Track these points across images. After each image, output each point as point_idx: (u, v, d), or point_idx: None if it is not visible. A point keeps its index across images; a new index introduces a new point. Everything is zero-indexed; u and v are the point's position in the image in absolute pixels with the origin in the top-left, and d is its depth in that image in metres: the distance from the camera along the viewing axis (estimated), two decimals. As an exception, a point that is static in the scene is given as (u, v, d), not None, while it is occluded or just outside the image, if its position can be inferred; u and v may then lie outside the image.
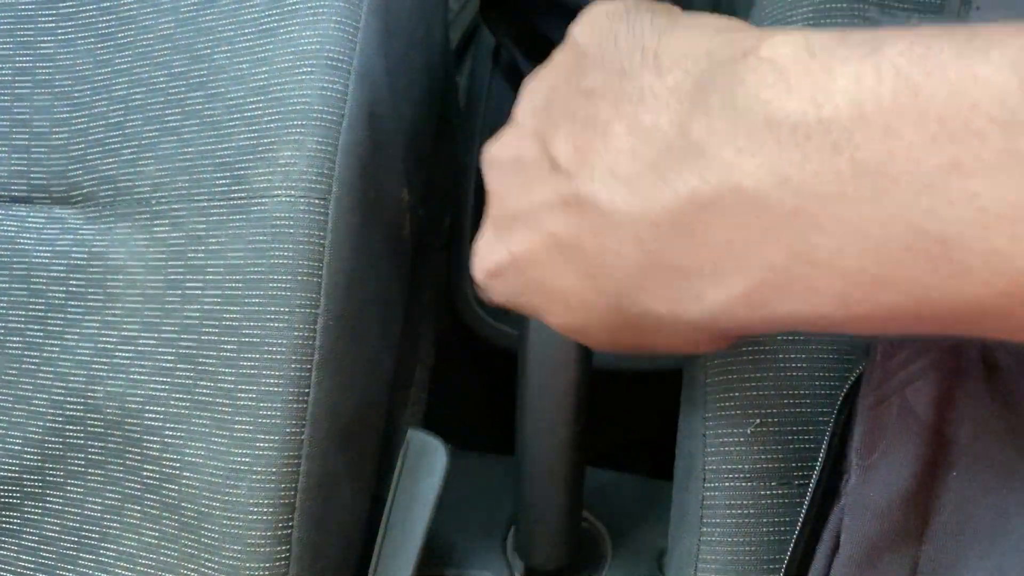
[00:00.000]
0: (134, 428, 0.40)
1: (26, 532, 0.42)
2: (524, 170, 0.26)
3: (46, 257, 0.43)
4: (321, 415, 0.39)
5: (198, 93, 0.42)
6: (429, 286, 0.56)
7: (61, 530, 0.42)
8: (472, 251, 0.30)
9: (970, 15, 0.30)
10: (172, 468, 0.40)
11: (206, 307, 0.40)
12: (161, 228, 0.41)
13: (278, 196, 0.39)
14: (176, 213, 0.41)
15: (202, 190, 0.41)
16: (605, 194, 0.23)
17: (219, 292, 0.40)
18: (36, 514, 0.42)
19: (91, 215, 0.43)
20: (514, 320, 0.42)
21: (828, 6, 0.36)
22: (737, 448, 0.34)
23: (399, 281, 0.48)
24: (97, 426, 0.41)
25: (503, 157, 0.28)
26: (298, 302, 0.39)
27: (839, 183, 0.19)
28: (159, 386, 0.40)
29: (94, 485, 0.41)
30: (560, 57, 0.27)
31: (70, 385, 0.42)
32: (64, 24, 0.45)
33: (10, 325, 0.43)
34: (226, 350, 0.39)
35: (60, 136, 0.44)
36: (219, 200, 0.40)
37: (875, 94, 0.18)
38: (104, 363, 0.41)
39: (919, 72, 0.18)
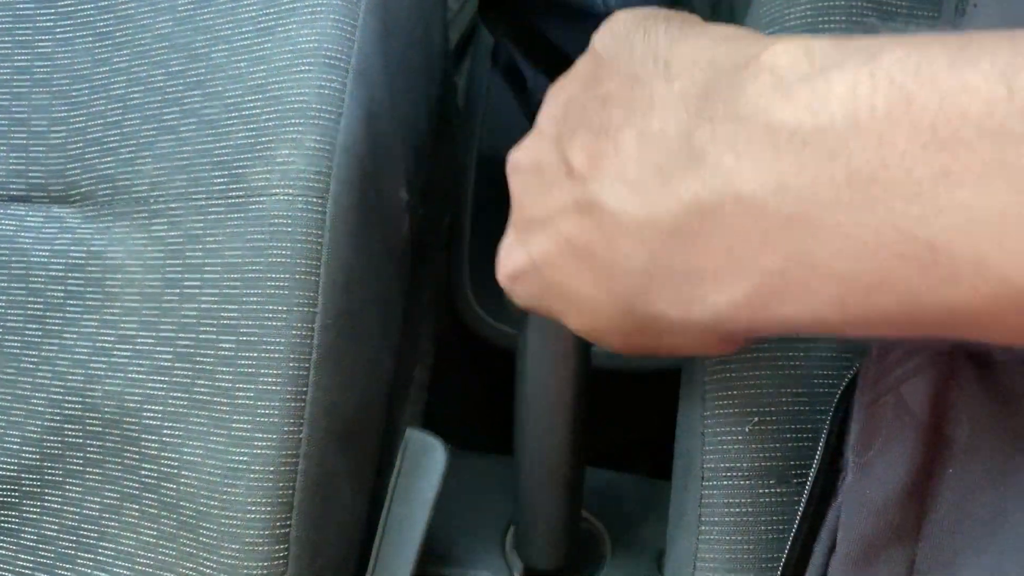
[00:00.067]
0: (132, 427, 0.40)
1: (25, 531, 0.42)
2: (543, 176, 0.27)
3: (44, 256, 0.43)
4: (319, 414, 0.39)
5: (196, 92, 0.42)
6: (429, 286, 0.56)
7: (60, 529, 0.42)
8: (497, 255, 0.30)
9: (967, 11, 0.30)
10: (170, 467, 0.40)
11: (204, 306, 0.40)
12: (159, 227, 0.41)
13: (276, 195, 0.39)
14: (174, 212, 0.41)
15: (200, 189, 0.41)
16: (614, 199, 0.24)
17: (217, 291, 0.40)
18: (35, 513, 0.42)
19: (89, 214, 0.43)
20: (513, 320, 0.42)
21: (825, 4, 0.36)
22: (735, 446, 0.34)
23: (398, 280, 0.48)
24: (95, 425, 0.41)
25: (524, 163, 0.28)
26: (296, 301, 0.39)
27: (834, 190, 0.19)
28: (157, 385, 0.40)
29: (93, 484, 0.41)
30: (581, 65, 0.28)
31: (68, 384, 0.42)
32: (62, 23, 0.45)
33: (8, 324, 0.43)
34: (224, 349, 0.39)
35: (58, 135, 0.44)
36: (217, 199, 0.40)
37: (869, 103, 0.18)
38: (102, 362, 0.41)
39: (913, 81, 0.18)
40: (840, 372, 0.34)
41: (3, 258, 0.44)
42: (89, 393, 0.41)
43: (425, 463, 0.43)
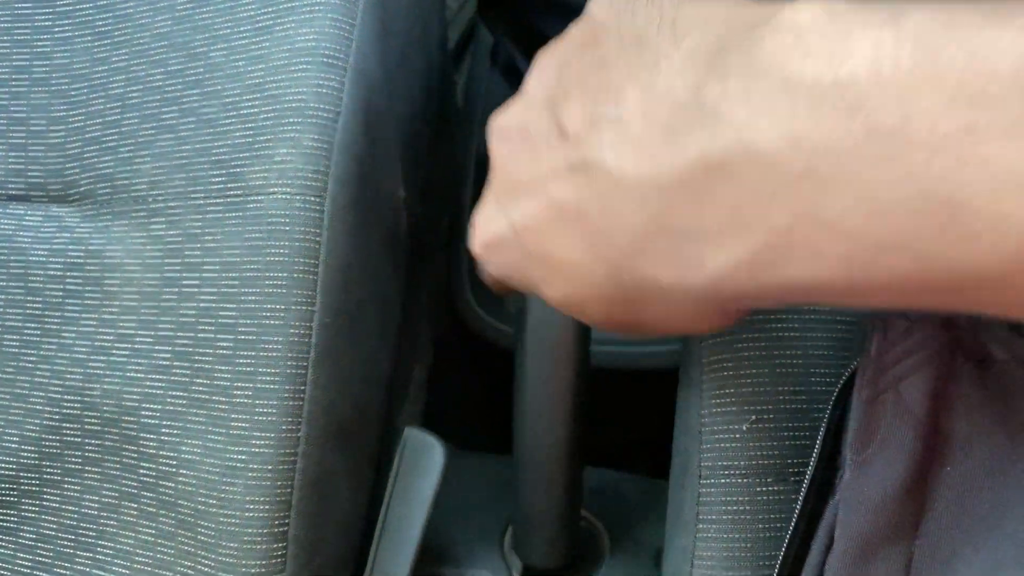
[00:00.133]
0: (131, 425, 0.40)
1: (23, 530, 0.42)
2: (531, 139, 0.26)
3: (43, 255, 0.43)
4: (317, 413, 0.39)
5: (194, 91, 0.42)
6: (428, 285, 0.56)
7: (58, 528, 0.42)
8: (471, 223, 0.29)
9: None
10: (168, 465, 0.40)
11: (202, 305, 0.40)
12: (158, 226, 0.41)
13: (274, 193, 0.39)
14: (173, 211, 0.41)
15: (198, 188, 0.41)
16: (613, 157, 0.23)
17: (215, 290, 0.40)
18: (33, 512, 0.42)
19: (88, 213, 0.43)
20: (512, 319, 0.42)
21: None
22: (733, 444, 0.34)
23: (396, 279, 0.48)
24: (94, 424, 0.41)
25: (510, 126, 0.28)
26: (294, 299, 0.39)
27: (851, 144, 0.19)
28: (156, 383, 0.40)
29: (91, 483, 0.41)
30: (575, 30, 0.27)
31: (67, 383, 0.42)
32: (61, 22, 0.45)
33: (7, 323, 0.43)
34: (222, 347, 0.39)
35: (57, 134, 0.44)
36: (215, 197, 0.40)
37: (893, 58, 0.18)
38: (101, 361, 0.41)
39: (940, 39, 0.18)
40: (837, 371, 0.34)
41: (2, 257, 0.44)
42: (88, 392, 0.41)
43: (424, 462, 0.43)
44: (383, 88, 0.43)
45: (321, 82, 0.40)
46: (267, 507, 0.38)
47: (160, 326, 0.40)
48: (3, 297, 0.43)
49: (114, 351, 0.41)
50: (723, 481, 0.34)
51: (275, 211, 0.39)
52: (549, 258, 0.26)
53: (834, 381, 0.33)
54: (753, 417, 0.34)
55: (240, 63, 0.41)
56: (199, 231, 0.40)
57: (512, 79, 0.64)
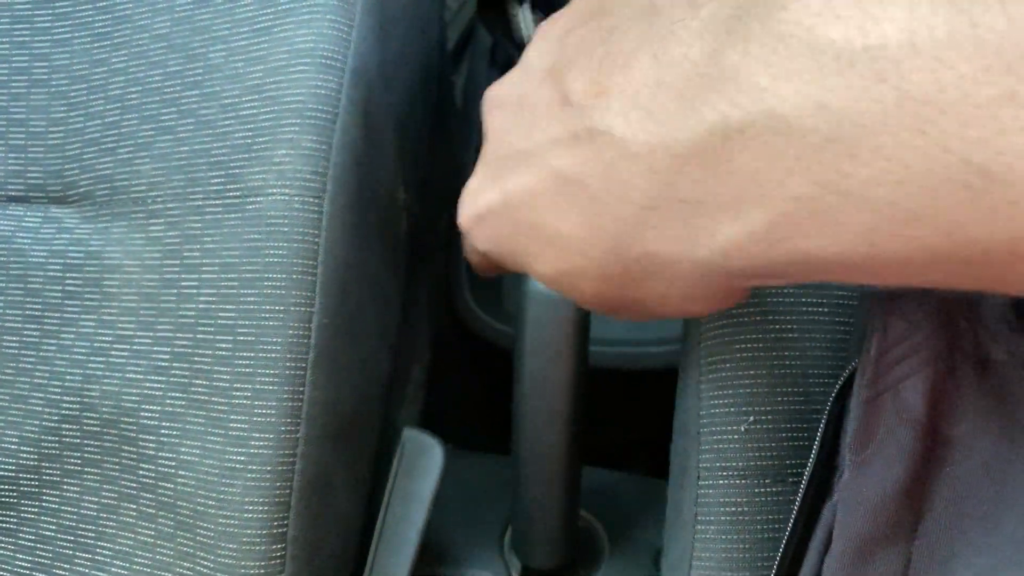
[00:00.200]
0: (130, 426, 0.40)
1: (23, 531, 0.42)
2: (530, 108, 0.26)
3: (43, 256, 0.43)
4: (316, 413, 0.39)
5: (193, 92, 0.42)
6: (427, 285, 0.56)
7: (58, 529, 0.42)
8: (461, 195, 0.29)
9: None
10: (167, 466, 0.40)
11: (201, 306, 0.40)
12: (157, 227, 0.41)
13: (273, 194, 0.39)
14: (171, 212, 0.41)
15: (197, 189, 0.41)
16: (622, 124, 0.22)
17: (214, 291, 0.40)
18: (33, 513, 0.42)
19: (88, 214, 0.43)
20: (511, 319, 0.42)
21: None
22: (731, 446, 0.34)
23: (395, 280, 0.48)
24: (93, 425, 0.41)
25: (508, 95, 0.27)
26: (293, 300, 0.39)
27: (881, 112, 0.18)
28: (155, 384, 0.40)
29: (90, 484, 0.41)
30: (580, 1, 0.26)
31: (66, 384, 0.42)
32: (60, 23, 0.45)
33: (7, 324, 0.43)
34: (221, 349, 0.39)
35: (56, 135, 0.44)
36: (214, 199, 0.40)
37: (928, 25, 0.18)
38: (100, 362, 0.41)
39: (976, 5, 0.17)
40: (835, 371, 0.34)
41: (2, 259, 0.44)
42: (87, 393, 0.41)
43: (423, 463, 0.43)
44: (382, 89, 0.43)
45: (319, 83, 0.40)
46: (266, 508, 0.38)
47: (159, 327, 0.40)
48: (2, 299, 0.43)
49: (113, 352, 0.41)
50: (721, 482, 0.34)
51: (274, 212, 0.39)
52: (542, 230, 0.26)
53: (832, 382, 0.33)
54: (751, 418, 0.34)
55: (239, 64, 0.41)
56: (198, 232, 0.40)
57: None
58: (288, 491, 0.38)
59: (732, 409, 0.34)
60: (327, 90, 0.40)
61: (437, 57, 0.54)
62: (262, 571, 0.38)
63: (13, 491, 0.42)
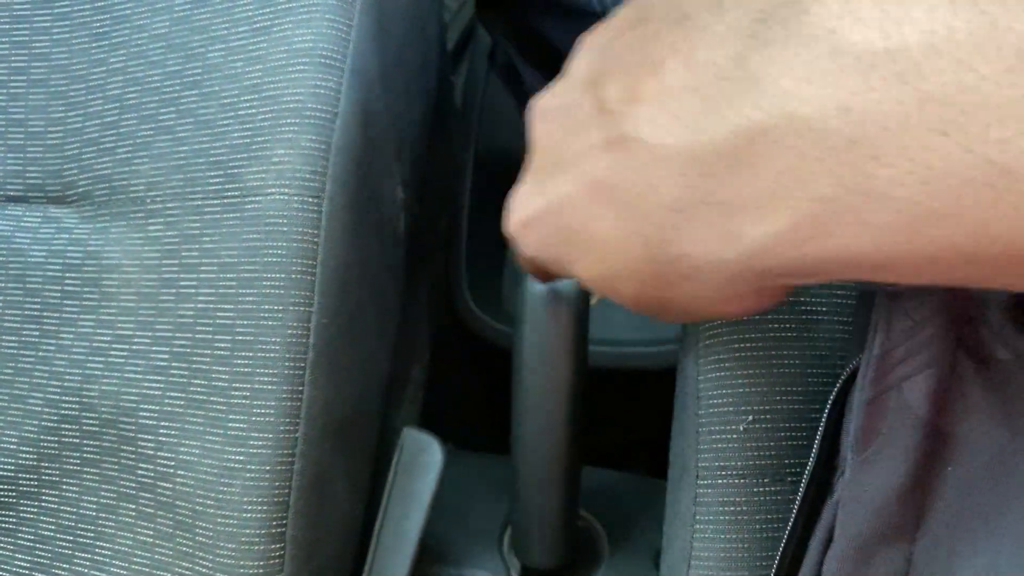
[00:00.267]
0: (128, 426, 0.40)
1: (22, 531, 0.42)
2: (571, 117, 0.26)
3: (42, 256, 0.43)
4: (315, 413, 0.39)
5: (192, 92, 0.42)
6: (426, 285, 0.56)
7: (57, 529, 0.42)
8: (507, 203, 0.29)
9: None
10: (166, 466, 0.40)
11: (200, 306, 0.40)
12: (155, 227, 0.41)
13: (271, 194, 0.39)
14: (170, 212, 0.41)
15: (196, 189, 0.41)
16: (651, 130, 0.23)
17: (213, 291, 0.40)
18: (32, 513, 0.42)
19: (86, 214, 0.43)
20: (511, 319, 0.42)
21: None
22: (729, 445, 0.34)
23: (394, 280, 0.48)
24: (92, 424, 0.41)
25: (551, 107, 0.28)
26: (292, 300, 0.39)
27: (903, 113, 0.18)
28: (153, 384, 0.40)
29: (89, 484, 0.41)
30: (623, 11, 0.27)
31: (65, 384, 0.42)
32: (59, 24, 0.45)
33: (6, 324, 0.43)
34: (220, 348, 0.39)
35: (55, 135, 0.44)
36: (213, 199, 0.40)
37: (948, 26, 0.18)
38: (99, 362, 0.41)
39: (997, 6, 0.17)
40: (833, 371, 0.34)
41: (1, 259, 0.44)
42: (86, 393, 0.41)
43: (422, 462, 0.43)
44: (381, 89, 0.43)
45: (318, 83, 0.40)
46: (265, 508, 0.38)
47: (158, 327, 0.40)
48: (1, 298, 0.43)
49: (112, 352, 0.41)
50: (720, 481, 0.34)
51: (273, 212, 0.39)
52: (583, 235, 0.26)
53: (831, 381, 0.33)
54: (750, 418, 0.34)
55: (238, 64, 0.41)
56: (197, 232, 0.40)
57: (510, 80, 0.64)
58: (287, 491, 0.38)
59: (731, 409, 0.34)
60: (326, 90, 0.40)
61: (437, 57, 0.54)
62: (261, 571, 0.38)
63: (12, 491, 0.42)
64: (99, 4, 0.45)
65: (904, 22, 0.18)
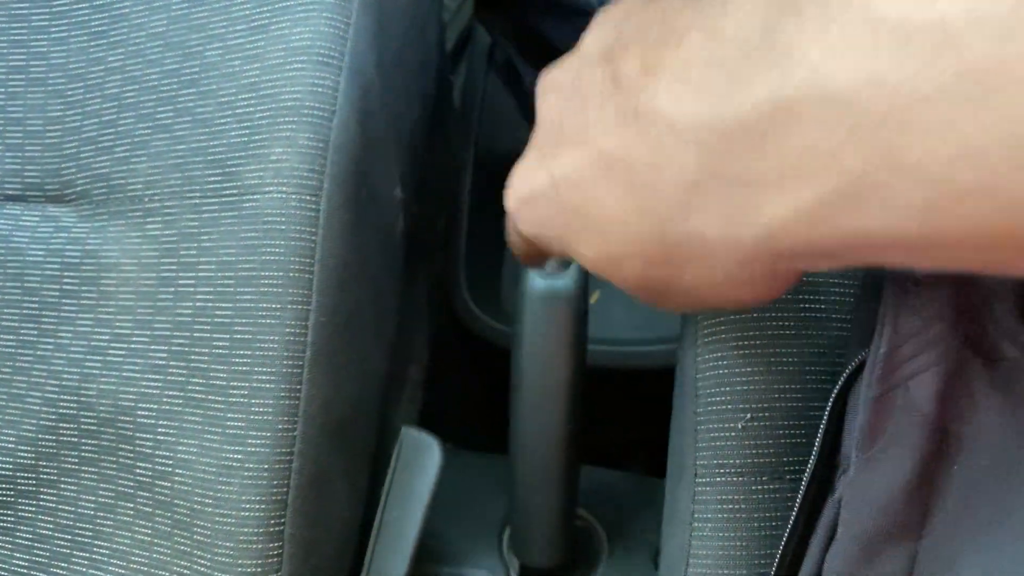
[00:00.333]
0: (127, 425, 0.40)
1: (20, 530, 0.42)
2: (582, 91, 0.26)
3: (40, 255, 0.43)
4: (313, 412, 0.39)
5: (190, 90, 0.42)
6: (424, 284, 0.56)
7: (55, 528, 0.42)
8: (509, 179, 0.29)
9: None
10: (164, 465, 0.40)
11: (198, 304, 0.40)
12: (154, 225, 0.41)
13: (269, 192, 0.39)
14: (168, 210, 0.41)
15: (194, 187, 0.41)
16: (670, 102, 0.22)
17: (211, 289, 0.40)
18: (30, 512, 0.42)
19: (85, 213, 0.43)
20: (510, 318, 0.42)
21: None
22: (728, 443, 0.34)
23: (393, 278, 0.47)
24: (90, 423, 0.41)
25: (561, 80, 0.27)
26: (290, 299, 0.38)
27: (940, 86, 0.18)
28: (152, 383, 0.40)
29: (87, 483, 0.41)
30: None
31: (64, 383, 0.42)
32: (57, 22, 0.45)
33: (4, 323, 0.43)
34: (218, 347, 0.39)
35: (53, 134, 0.44)
36: (211, 197, 0.40)
37: None
38: (97, 360, 0.41)
39: None
40: (832, 368, 0.34)
41: (-1, 257, 0.44)
42: (84, 392, 0.41)
43: (421, 461, 0.43)
44: (379, 87, 0.43)
45: (316, 81, 0.40)
46: (263, 506, 0.38)
47: (156, 326, 0.40)
48: (0, 297, 0.43)
49: (110, 351, 0.41)
50: (718, 480, 0.34)
51: (271, 210, 0.39)
52: (587, 212, 0.25)
53: (830, 379, 0.33)
54: (748, 415, 0.34)
55: (236, 62, 0.41)
56: (195, 230, 0.40)
57: (510, 79, 0.64)
58: (285, 489, 0.38)
59: (729, 406, 0.34)
60: (324, 88, 0.40)
61: (436, 57, 0.54)
62: (259, 570, 0.38)
63: (11, 490, 0.42)
64: (97, 3, 0.45)
65: None
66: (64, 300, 0.42)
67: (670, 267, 0.25)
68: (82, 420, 0.41)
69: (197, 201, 0.40)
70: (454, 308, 0.60)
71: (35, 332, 0.43)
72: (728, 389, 0.34)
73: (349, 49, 0.41)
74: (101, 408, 0.41)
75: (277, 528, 0.38)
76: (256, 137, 0.40)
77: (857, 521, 0.28)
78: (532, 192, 0.27)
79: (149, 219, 0.41)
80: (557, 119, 0.27)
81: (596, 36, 0.27)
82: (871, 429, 0.29)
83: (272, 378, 0.38)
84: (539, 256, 0.34)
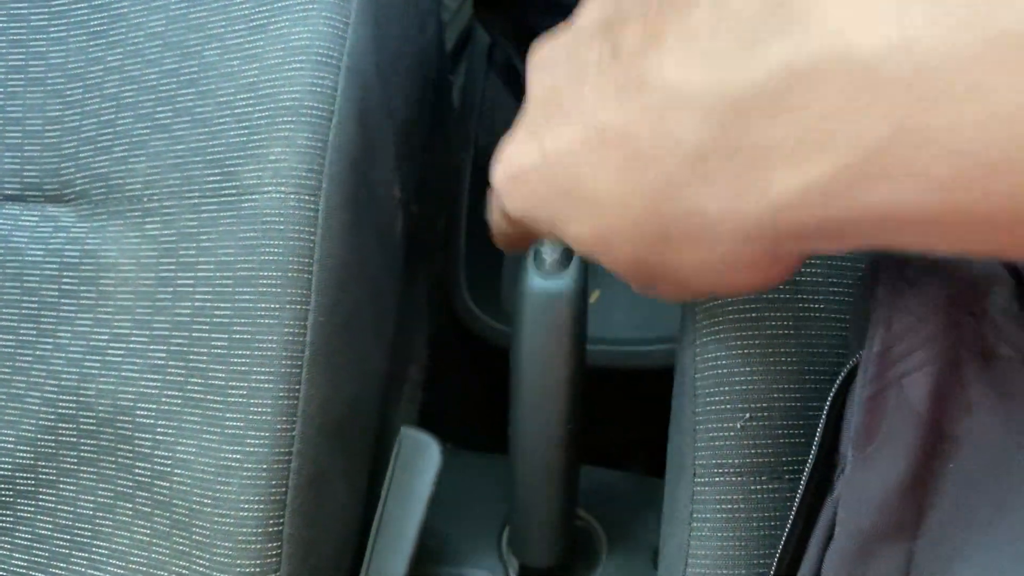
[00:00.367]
0: (126, 425, 0.40)
1: (19, 530, 0.42)
2: (578, 64, 0.25)
3: (39, 255, 0.43)
4: (312, 412, 0.39)
5: (189, 90, 0.42)
6: (424, 284, 0.56)
7: (54, 528, 0.42)
8: (496, 155, 0.28)
9: None
10: (163, 465, 0.40)
11: (197, 304, 0.40)
12: (152, 225, 0.41)
13: (268, 192, 0.39)
14: (167, 210, 0.41)
15: (193, 187, 0.41)
16: (676, 69, 0.21)
17: (210, 289, 0.40)
18: (29, 512, 0.42)
19: (84, 213, 0.43)
20: (510, 318, 0.42)
21: None
22: (727, 443, 0.34)
23: (392, 278, 0.47)
24: (89, 423, 0.41)
25: (555, 55, 0.26)
26: (288, 298, 0.38)
27: (970, 52, 0.17)
28: (150, 383, 0.40)
29: (86, 483, 0.41)
30: None
31: (63, 383, 0.42)
32: (56, 22, 0.45)
33: (3, 323, 0.43)
34: (217, 347, 0.39)
35: (52, 134, 0.44)
36: (210, 197, 0.40)
37: None
38: (96, 360, 0.41)
39: None
40: (832, 368, 0.34)
41: (-2, 257, 0.44)
42: (83, 391, 0.41)
43: (420, 461, 0.43)
44: (378, 87, 0.43)
45: (315, 81, 0.40)
46: (262, 506, 0.38)
47: (155, 325, 0.40)
48: (-1, 297, 0.43)
49: (109, 351, 0.41)
50: (717, 479, 0.34)
51: (269, 210, 0.39)
52: (579, 189, 0.24)
53: (829, 379, 0.33)
54: (747, 415, 0.34)
55: (234, 62, 0.41)
56: (194, 230, 0.40)
57: (509, 80, 0.64)
58: (284, 489, 0.38)
59: (728, 406, 0.34)
60: (323, 88, 0.40)
61: (435, 57, 0.54)
62: (258, 570, 0.38)
63: (9, 490, 0.42)
64: (96, 2, 0.45)
65: None
66: (63, 300, 0.42)
67: (666, 246, 0.24)
68: (81, 420, 0.41)
69: (196, 201, 0.40)
70: (454, 308, 0.59)
71: (34, 332, 0.43)
72: (727, 389, 0.34)
73: (348, 49, 0.41)
74: (100, 408, 0.41)
75: (276, 528, 0.38)
76: (255, 137, 0.40)
77: (853, 520, 0.28)
78: (521, 168, 0.26)
79: (148, 219, 0.41)
80: (550, 95, 0.26)
81: (592, 9, 0.26)
82: (866, 428, 0.29)
83: (271, 378, 0.38)
84: (522, 240, 0.33)
